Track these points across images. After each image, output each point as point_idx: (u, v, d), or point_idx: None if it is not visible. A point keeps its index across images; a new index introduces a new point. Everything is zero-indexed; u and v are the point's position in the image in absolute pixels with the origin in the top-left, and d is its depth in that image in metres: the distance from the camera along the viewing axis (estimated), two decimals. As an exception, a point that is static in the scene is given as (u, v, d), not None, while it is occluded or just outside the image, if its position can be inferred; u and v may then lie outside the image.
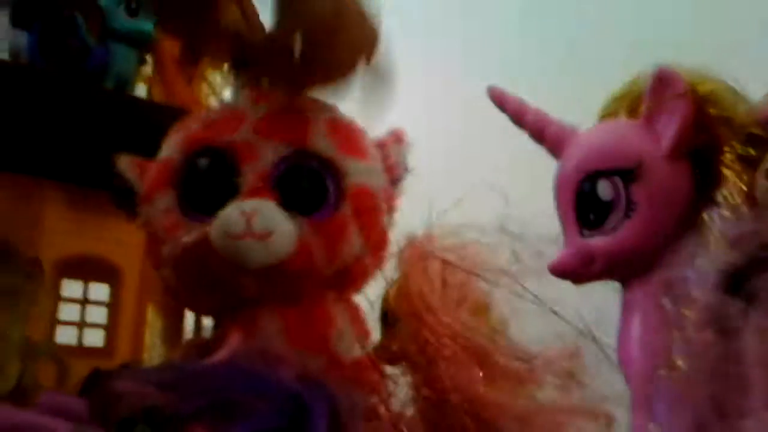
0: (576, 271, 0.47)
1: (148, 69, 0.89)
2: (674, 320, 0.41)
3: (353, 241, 0.63)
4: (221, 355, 0.55)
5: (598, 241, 0.46)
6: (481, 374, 0.52)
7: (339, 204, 0.63)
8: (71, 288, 0.90)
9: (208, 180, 0.63)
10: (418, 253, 0.58)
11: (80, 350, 0.89)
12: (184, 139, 0.64)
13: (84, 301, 0.91)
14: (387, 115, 0.62)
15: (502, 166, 0.63)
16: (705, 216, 0.43)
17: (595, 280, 0.47)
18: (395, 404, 0.56)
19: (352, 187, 0.63)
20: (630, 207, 0.44)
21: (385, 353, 0.60)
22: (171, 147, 0.64)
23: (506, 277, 0.54)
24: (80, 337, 0.90)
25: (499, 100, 0.54)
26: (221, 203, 0.59)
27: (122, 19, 0.81)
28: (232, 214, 0.58)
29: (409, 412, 0.56)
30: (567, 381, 0.52)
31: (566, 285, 0.49)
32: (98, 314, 0.92)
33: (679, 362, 0.40)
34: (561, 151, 0.49)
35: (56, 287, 0.89)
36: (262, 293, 0.60)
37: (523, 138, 0.53)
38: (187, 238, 0.59)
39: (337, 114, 0.66)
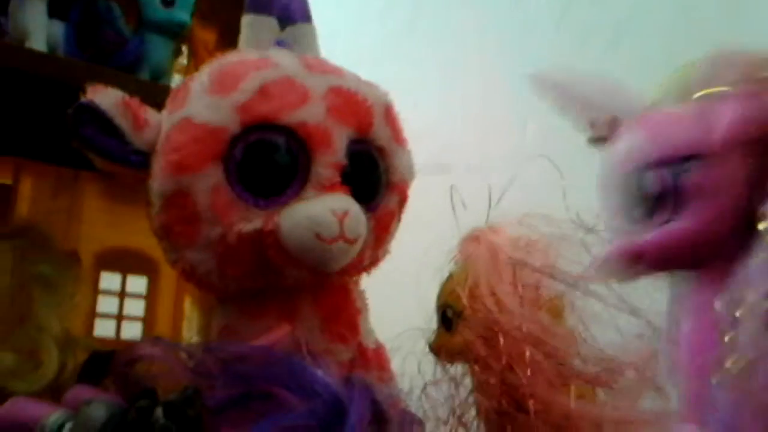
0: (623, 266, 0.44)
1: (183, 59, 0.89)
2: (726, 322, 0.39)
3: (394, 232, 0.62)
4: (264, 340, 0.52)
5: (647, 236, 0.43)
6: (558, 380, 0.49)
7: (389, 194, 0.61)
8: (109, 281, 0.91)
9: (275, 163, 0.55)
10: (485, 248, 0.55)
11: (118, 343, 0.90)
12: (239, 108, 0.55)
13: (122, 294, 0.91)
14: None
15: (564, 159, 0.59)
16: (761, 212, 0.40)
17: (644, 275, 0.45)
18: (455, 405, 0.55)
19: (399, 177, 0.62)
20: (682, 200, 0.42)
21: (446, 351, 0.57)
22: (216, 113, 0.55)
23: (580, 276, 0.52)
24: (118, 330, 0.91)
25: (545, 86, 0.51)
26: (282, 189, 0.55)
27: (158, 9, 0.80)
28: (326, 215, 0.54)
29: (470, 413, 0.54)
30: (645, 385, 0.49)
31: (644, 283, 0.47)
32: (136, 307, 0.92)
33: (730, 366, 0.37)
34: (609, 140, 0.47)
35: (95, 280, 0.89)
36: (301, 282, 0.58)
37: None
38: (247, 225, 0.54)
39: (389, 99, 0.63)
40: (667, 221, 0.43)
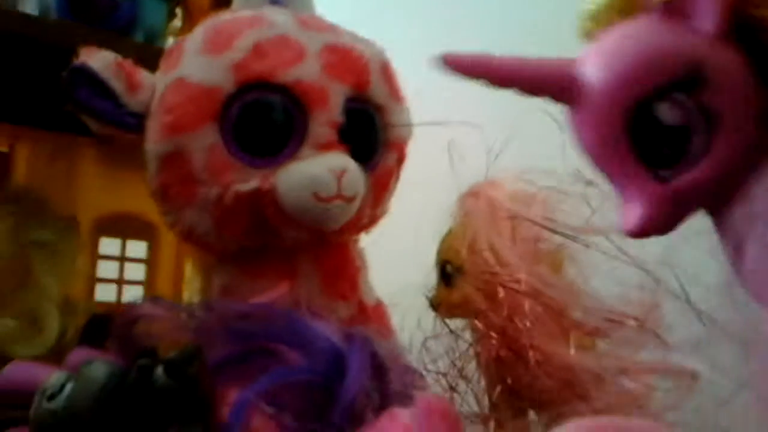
0: (664, 223, 0.35)
1: (178, 22, 0.88)
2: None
3: (392, 191, 0.62)
4: (263, 298, 0.51)
5: (685, 179, 0.34)
6: (558, 331, 0.49)
7: (387, 153, 0.61)
8: (109, 246, 0.91)
9: (271, 122, 0.55)
10: (484, 203, 0.55)
11: (119, 307, 0.90)
12: (234, 68, 0.54)
13: (122, 259, 0.92)
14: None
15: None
16: None
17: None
18: (455, 358, 0.55)
19: (397, 135, 0.62)
20: (710, 122, 0.33)
21: (446, 306, 0.57)
22: (211, 72, 0.54)
23: (579, 228, 0.50)
24: (119, 295, 0.91)
25: (463, 68, 0.40)
26: (279, 148, 0.55)
27: (150, -29, 0.79)
28: (324, 174, 0.53)
29: (470, 366, 0.54)
30: (645, 336, 0.48)
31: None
32: (136, 271, 0.92)
33: None
34: (572, 91, 0.36)
35: (94, 245, 0.89)
36: (300, 241, 0.58)
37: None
38: (244, 186, 0.54)
39: (386, 56, 0.62)
40: (704, 150, 0.34)
